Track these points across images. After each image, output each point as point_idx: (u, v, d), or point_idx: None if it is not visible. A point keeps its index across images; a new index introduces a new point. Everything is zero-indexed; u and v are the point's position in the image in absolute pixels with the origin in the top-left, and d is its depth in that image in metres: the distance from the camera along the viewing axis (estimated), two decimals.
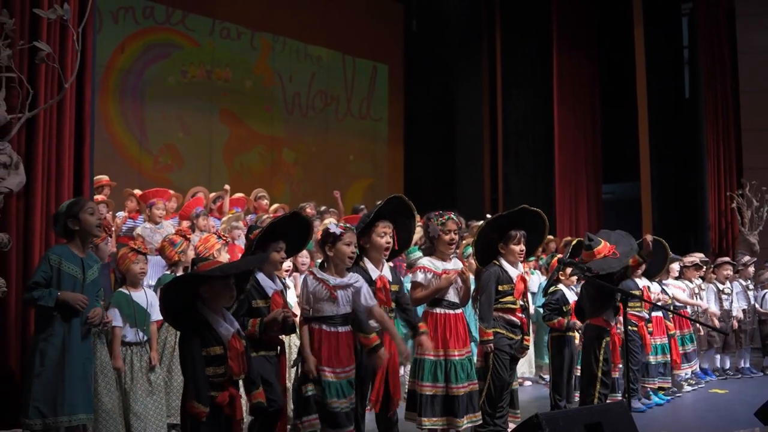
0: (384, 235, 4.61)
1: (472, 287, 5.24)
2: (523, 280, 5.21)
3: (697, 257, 8.50)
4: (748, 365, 8.83)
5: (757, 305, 8.91)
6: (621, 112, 14.31)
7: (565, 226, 13.47)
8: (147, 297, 5.07)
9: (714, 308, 8.41)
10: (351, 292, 4.31)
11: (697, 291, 8.17)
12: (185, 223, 7.97)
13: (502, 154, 14.89)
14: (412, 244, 5.39)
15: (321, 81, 14.22)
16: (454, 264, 4.97)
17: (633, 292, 6.30)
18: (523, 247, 5.16)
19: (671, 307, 6.87)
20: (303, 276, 4.41)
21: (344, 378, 4.25)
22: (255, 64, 13.24)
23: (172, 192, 8.58)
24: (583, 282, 5.76)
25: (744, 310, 8.73)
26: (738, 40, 13.30)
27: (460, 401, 4.69)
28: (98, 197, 7.49)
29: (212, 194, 9.04)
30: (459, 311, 4.88)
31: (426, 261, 4.94)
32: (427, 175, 14.92)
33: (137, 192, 8.29)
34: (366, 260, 4.66)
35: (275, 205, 9.43)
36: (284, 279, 5.78)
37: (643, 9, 13.53)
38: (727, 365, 8.69)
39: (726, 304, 8.56)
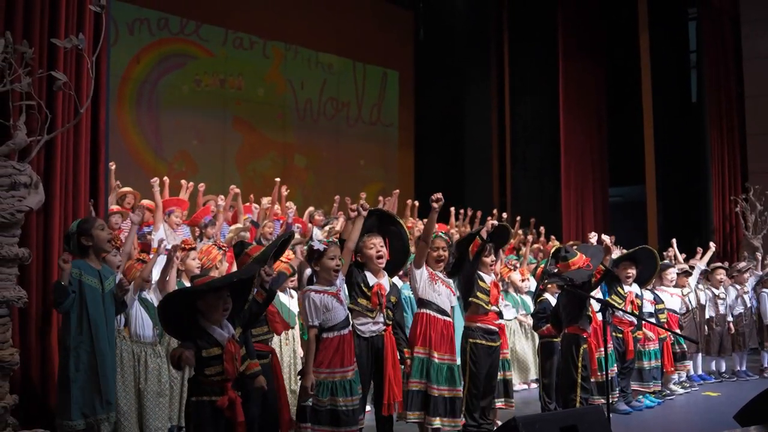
0: (372, 247, 4.95)
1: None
2: (496, 286, 5.62)
3: (689, 264, 8.75)
4: (744, 368, 9.02)
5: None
6: (627, 116, 14.51)
7: (572, 230, 13.70)
8: (154, 297, 5.45)
9: (709, 312, 8.65)
10: (344, 290, 4.72)
11: (688, 296, 8.40)
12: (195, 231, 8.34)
13: (510, 158, 15.18)
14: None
15: (332, 88, 14.54)
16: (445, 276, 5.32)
17: (615, 298, 6.64)
18: (494, 257, 5.64)
19: (645, 315, 7.11)
20: (303, 296, 4.71)
21: (352, 375, 4.61)
22: (267, 72, 13.57)
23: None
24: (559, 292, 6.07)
25: (740, 314, 8.93)
26: (743, 45, 13.47)
27: (434, 401, 5.04)
28: (115, 207, 7.84)
29: (223, 201, 9.27)
30: (448, 319, 5.20)
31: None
32: (437, 178, 15.08)
33: (150, 203, 8.62)
34: (366, 272, 5.02)
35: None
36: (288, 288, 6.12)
37: (648, 14, 13.72)
38: (723, 368, 8.90)
39: (722, 309, 8.77)
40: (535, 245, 11.21)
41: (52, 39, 4.93)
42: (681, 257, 9.28)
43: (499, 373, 5.77)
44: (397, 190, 10.03)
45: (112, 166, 8.05)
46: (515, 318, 7.99)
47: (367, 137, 15.07)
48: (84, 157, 5.21)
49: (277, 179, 9.28)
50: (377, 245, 4.96)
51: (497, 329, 5.49)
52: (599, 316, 5.67)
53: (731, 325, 8.78)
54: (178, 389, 5.41)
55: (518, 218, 11.97)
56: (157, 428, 5.20)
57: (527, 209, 14.42)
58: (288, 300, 6.02)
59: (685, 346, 7.87)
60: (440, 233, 5.34)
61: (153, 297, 5.43)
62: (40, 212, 4.86)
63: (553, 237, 11.75)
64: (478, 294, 5.50)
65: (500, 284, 7.74)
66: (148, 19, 11.89)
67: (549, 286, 6.24)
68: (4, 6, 4.84)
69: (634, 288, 7.00)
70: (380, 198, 10.43)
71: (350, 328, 4.70)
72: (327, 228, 8.19)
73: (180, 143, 12.20)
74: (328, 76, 14.50)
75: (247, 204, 9.35)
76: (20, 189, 4.55)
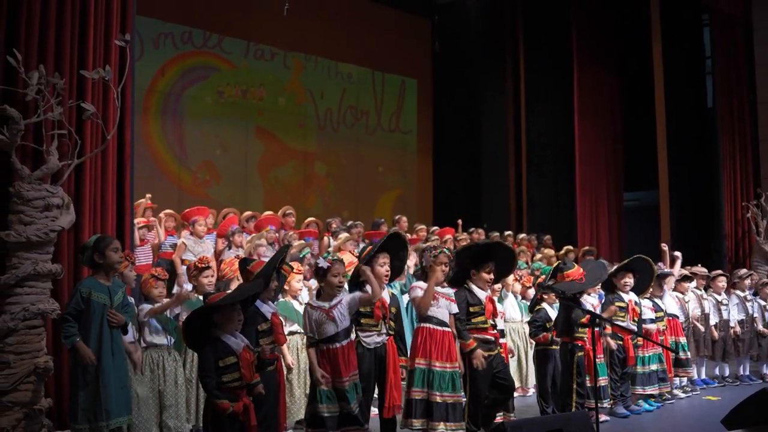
0: (384, 264, 5.39)
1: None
2: (492, 301, 5.91)
3: (688, 270, 9.00)
4: (747, 373, 9.25)
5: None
6: (642, 122, 14.65)
7: (586, 235, 13.93)
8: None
9: (714, 318, 8.90)
10: (342, 307, 5.07)
11: (688, 302, 8.65)
12: (221, 241, 8.71)
13: (526, 165, 15.42)
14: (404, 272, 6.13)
15: (351, 97, 14.84)
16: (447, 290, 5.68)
17: (619, 304, 6.93)
18: (492, 276, 5.84)
19: (639, 326, 7.34)
20: (303, 309, 5.14)
21: (349, 384, 4.98)
22: (288, 82, 13.90)
23: (210, 211, 9.35)
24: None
25: (742, 320, 9.16)
26: (755, 51, 13.61)
27: (436, 407, 5.37)
28: (142, 220, 8.26)
29: (247, 213, 9.70)
30: (447, 329, 5.54)
31: (420, 283, 5.64)
32: (454, 185, 15.44)
33: (172, 212, 9.04)
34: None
35: (309, 219, 10.13)
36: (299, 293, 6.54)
37: (661, 21, 13.84)
38: (726, 373, 9.13)
39: (725, 315, 9.01)
40: (548, 250, 11.50)
41: (81, 71, 5.37)
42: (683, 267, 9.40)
43: None
44: (406, 220, 10.54)
45: (148, 196, 8.62)
46: (521, 321, 8.21)
47: (386, 145, 15.37)
48: (111, 179, 5.65)
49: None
50: (387, 264, 5.41)
51: (494, 338, 5.79)
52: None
53: (733, 331, 9.02)
54: (194, 392, 5.82)
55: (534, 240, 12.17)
56: (177, 427, 5.60)
57: (543, 214, 14.73)
58: (300, 308, 6.41)
59: (688, 353, 8.14)
60: (444, 249, 5.67)
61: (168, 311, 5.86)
62: (71, 230, 5.30)
63: (571, 248, 11.95)
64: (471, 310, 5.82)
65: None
66: (172, 33, 12.29)
67: (546, 296, 6.57)
68: (37, 41, 5.29)
69: (632, 296, 7.25)
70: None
71: (350, 339, 5.08)
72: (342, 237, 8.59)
73: (204, 153, 12.59)
74: (347, 86, 14.82)
75: (269, 214, 9.69)
76: (53, 210, 4.99)
